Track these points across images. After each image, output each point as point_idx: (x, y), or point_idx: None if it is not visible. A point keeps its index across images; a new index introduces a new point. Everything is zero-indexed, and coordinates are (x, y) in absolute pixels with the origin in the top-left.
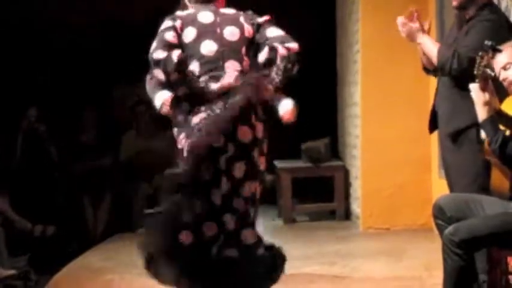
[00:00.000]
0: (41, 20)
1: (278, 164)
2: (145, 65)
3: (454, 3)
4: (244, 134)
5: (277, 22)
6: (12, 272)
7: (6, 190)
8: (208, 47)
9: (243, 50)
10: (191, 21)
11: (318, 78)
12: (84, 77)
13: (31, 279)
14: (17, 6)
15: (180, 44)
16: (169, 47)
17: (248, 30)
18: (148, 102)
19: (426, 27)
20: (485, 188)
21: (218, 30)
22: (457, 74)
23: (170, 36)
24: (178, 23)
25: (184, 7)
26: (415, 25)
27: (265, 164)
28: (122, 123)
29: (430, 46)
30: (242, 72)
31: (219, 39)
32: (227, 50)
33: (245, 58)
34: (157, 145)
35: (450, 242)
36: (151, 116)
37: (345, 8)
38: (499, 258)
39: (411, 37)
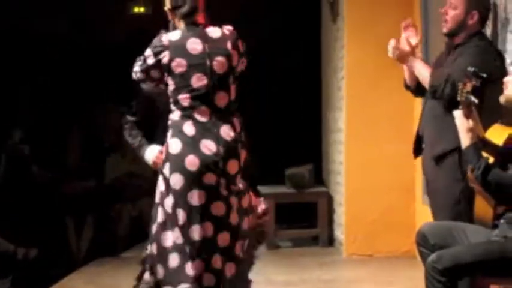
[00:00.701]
0: (25, 40)
1: (261, 189)
2: (129, 86)
3: (444, 30)
4: (233, 166)
5: (262, 47)
6: None
7: None
8: (199, 81)
9: (231, 79)
10: (180, 51)
11: (302, 104)
12: (69, 99)
13: None
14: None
15: (164, 73)
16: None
17: (234, 58)
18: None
19: (416, 40)
20: (465, 214)
21: (208, 63)
22: (450, 98)
23: (156, 74)
24: (165, 55)
25: (173, 20)
26: (407, 49)
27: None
28: (106, 145)
29: (422, 70)
30: (230, 102)
31: (209, 72)
32: (216, 83)
33: (232, 86)
34: (141, 168)
35: (433, 270)
36: None
37: (329, 35)
38: (482, 287)
39: (403, 61)
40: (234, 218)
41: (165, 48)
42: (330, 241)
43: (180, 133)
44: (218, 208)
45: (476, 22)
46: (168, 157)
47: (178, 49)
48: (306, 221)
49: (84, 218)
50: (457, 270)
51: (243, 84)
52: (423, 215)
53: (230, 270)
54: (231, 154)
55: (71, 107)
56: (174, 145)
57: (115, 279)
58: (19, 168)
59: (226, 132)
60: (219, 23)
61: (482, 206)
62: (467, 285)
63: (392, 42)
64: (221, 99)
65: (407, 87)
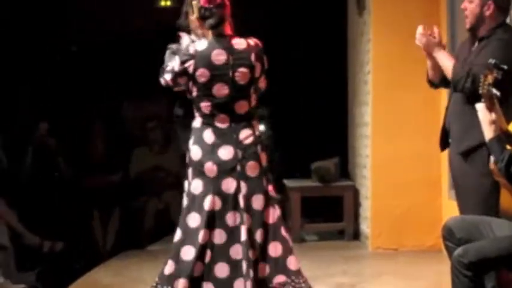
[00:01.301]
0: (52, 34)
1: (288, 183)
2: (155, 80)
3: (467, 26)
4: (253, 169)
5: (288, 42)
6: (21, 286)
7: (15, 205)
8: (220, 91)
9: (251, 90)
10: (205, 61)
11: (328, 98)
12: (94, 93)
13: None
14: (31, 22)
15: (189, 81)
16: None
17: (257, 70)
18: (159, 118)
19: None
20: (494, 209)
21: (230, 74)
22: (470, 92)
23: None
24: (190, 64)
25: (200, 29)
26: (435, 39)
27: (274, 190)
28: (132, 138)
29: (446, 61)
30: (249, 109)
31: (230, 82)
32: (237, 93)
33: (253, 95)
34: (167, 161)
35: (459, 264)
36: (162, 132)
37: (356, 28)
38: (508, 281)
39: (428, 49)
40: (244, 233)
41: (191, 57)
42: (356, 235)
43: (200, 140)
44: (231, 218)
45: (494, 12)
46: (190, 163)
47: (203, 59)
48: (332, 215)
49: (110, 211)
50: (482, 264)
51: (270, 80)
52: (449, 209)
53: (237, 286)
54: (250, 156)
55: (96, 100)
56: (195, 151)
57: (141, 272)
58: (46, 160)
59: (246, 135)
60: (245, 28)
61: (508, 200)
62: (493, 279)
63: (420, 29)
64: (241, 107)
65: (429, 81)
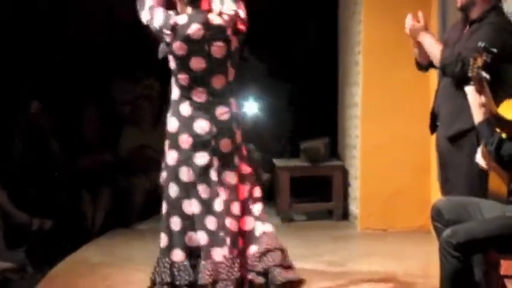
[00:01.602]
0: (43, 14)
1: (277, 162)
2: (145, 60)
3: (458, 5)
4: (226, 145)
5: (279, 21)
6: (9, 264)
7: (5, 183)
8: (197, 64)
9: (228, 63)
10: (182, 35)
11: (319, 77)
12: (85, 72)
13: (28, 272)
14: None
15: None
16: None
17: (233, 44)
18: (150, 97)
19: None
20: (482, 192)
21: (206, 48)
22: (460, 77)
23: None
24: (169, 35)
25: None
26: (419, 24)
27: (250, 168)
28: (122, 118)
29: (432, 45)
30: (227, 83)
31: (207, 56)
32: (214, 66)
33: (230, 69)
34: (156, 140)
35: (447, 245)
36: (152, 111)
37: (347, 9)
38: (496, 262)
39: (413, 34)
40: (219, 205)
41: (171, 29)
42: (345, 215)
43: (177, 112)
44: (204, 191)
45: None
46: (167, 134)
47: (181, 33)
48: (321, 195)
49: (100, 189)
50: (471, 245)
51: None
52: (438, 191)
53: (216, 254)
54: (224, 133)
55: (87, 79)
56: (172, 123)
57: (129, 251)
58: (37, 139)
59: (222, 112)
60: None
61: (497, 183)
62: (480, 260)
63: (409, 16)
64: (218, 81)
65: (417, 64)
